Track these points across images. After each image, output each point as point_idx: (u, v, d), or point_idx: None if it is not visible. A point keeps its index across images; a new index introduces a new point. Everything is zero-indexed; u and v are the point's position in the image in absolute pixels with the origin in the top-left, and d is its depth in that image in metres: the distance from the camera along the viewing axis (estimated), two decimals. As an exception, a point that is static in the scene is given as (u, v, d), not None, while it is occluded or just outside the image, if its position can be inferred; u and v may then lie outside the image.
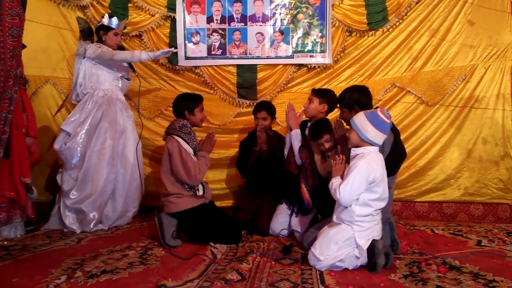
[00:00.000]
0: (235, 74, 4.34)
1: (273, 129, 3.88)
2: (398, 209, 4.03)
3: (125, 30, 4.24)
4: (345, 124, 2.98)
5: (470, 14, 4.01)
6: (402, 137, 3.06)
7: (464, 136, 3.99)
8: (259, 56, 4.31)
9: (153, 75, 4.39)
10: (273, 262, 2.58)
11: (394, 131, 2.80)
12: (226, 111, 4.37)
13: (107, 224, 3.54)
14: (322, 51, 4.24)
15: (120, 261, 2.57)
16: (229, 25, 4.31)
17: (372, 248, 2.35)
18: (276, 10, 4.28)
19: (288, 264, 2.57)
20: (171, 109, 4.16)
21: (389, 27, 4.16)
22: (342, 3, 4.22)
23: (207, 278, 2.28)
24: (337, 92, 3.49)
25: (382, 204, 2.48)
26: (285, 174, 3.35)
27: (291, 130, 3.32)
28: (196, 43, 4.34)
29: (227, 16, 4.30)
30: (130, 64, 3.79)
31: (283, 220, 3.32)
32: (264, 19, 4.29)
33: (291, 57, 4.28)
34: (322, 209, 2.99)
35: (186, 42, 4.33)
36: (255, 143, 3.66)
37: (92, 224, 3.43)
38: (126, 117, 3.73)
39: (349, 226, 2.42)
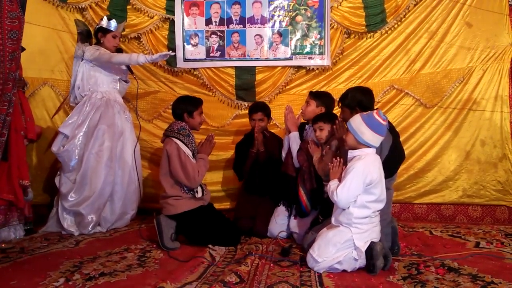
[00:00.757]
0: (234, 76, 4.34)
1: (270, 130, 3.88)
2: (397, 211, 4.03)
3: (124, 32, 4.24)
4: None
5: (468, 16, 4.02)
6: (401, 139, 3.06)
7: (462, 138, 4.00)
8: (257, 58, 4.31)
9: (152, 77, 4.39)
10: (271, 264, 2.58)
11: (393, 132, 2.81)
12: (224, 113, 4.37)
13: (105, 227, 3.54)
14: (321, 53, 4.25)
15: (119, 264, 2.57)
16: (228, 27, 4.31)
17: (370, 250, 2.35)
18: (274, 12, 4.28)
19: (287, 266, 2.56)
20: (169, 111, 4.19)
21: (387, 29, 4.17)
22: (340, 5, 4.22)
23: (206, 280, 2.27)
24: (335, 94, 3.51)
25: (380, 206, 2.48)
26: (283, 176, 3.35)
27: (289, 132, 3.32)
28: (194, 45, 4.34)
29: (225, 18, 4.31)
30: (128, 67, 3.79)
31: (281, 222, 3.31)
32: (263, 21, 4.29)
33: (290, 59, 4.29)
34: (324, 211, 2.98)
35: (185, 44, 4.33)
36: (251, 144, 3.65)
37: (90, 227, 3.43)
38: (124, 119, 3.73)
39: (347, 228, 2.42)
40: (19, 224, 3.34)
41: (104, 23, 3.73)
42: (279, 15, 4.28)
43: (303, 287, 2.19)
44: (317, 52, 4.25)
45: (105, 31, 3.73)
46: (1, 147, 2.82)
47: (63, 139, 3.59)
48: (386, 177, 2.60)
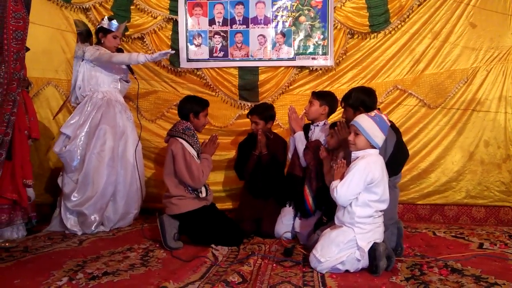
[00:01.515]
0: (237, 76, 4.35)
1: (273, 131, 3.87)
2: (400, 211, 4.01)
3: (127, 33, 4.26)
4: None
5: (472, 16, 4.01)
6: (404, 139, 3.06)
7: (466, 138, 3.99)
8: (261, 58, 4.31)
9: (155, 77, 4.40)
10: (274, 265, 2.57)
11: (396, 130, 2.81)
12: (227, 113, 4.37)
13: (108, 226, 3.54)
14: (324, 54, 4.24)
15: (122, 263, 2.57)
16: (231, 27, 4.32)
17: (373, 251, 2.35)
18: (278, 12, 4.28)
19: (290, 266, 2.56)
20: (172, 111, 4.21)
21: (391, 29, 4.16)
22: (344, 6, 4.22)
23: (208, 280, 2.27)
24: (339, 95, 3.50)
25: (383, 206, 2.48)
26: (289, 177, 3.35)
27: (294, 133, 3.32)
28: (198, 45, 4.34)
29: (229, 18, 4.31)
30: (128, 66, 3.79)
31: (287, 222, 3.30)
32: (266, 21, 4.29)
33: (293, 59, 4.29)
34: (328, 211, 2.98)
35: (188, 44, 4.34)
36: (253, 145, 3.63)
37: (93, 226, 3.44)
38: (125, 119, 3.73)
39: (350, 228, 2.42)
40: (22, 223, 3.35)
41: (105, 23, 3.73)
42: (282, 16, 4.29)
43: (306, 287, 2.18)
44: (320, 52, 4.25)
45: (106, 31, 3.72)
46: (5, 146, 2.83)
47: (65, 140, 3.59)
48: (391, 175, 2.61)
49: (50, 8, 4.25)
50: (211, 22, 4.33)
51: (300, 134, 3.29)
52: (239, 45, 4.32)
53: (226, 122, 4.35)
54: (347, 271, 2.40)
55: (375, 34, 4.20)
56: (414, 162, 4.03)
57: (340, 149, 2.97)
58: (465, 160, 3.98)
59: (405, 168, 3.37)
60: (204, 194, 3.12)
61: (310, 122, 3.42)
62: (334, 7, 4.21)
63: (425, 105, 4.09)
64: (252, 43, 4.30)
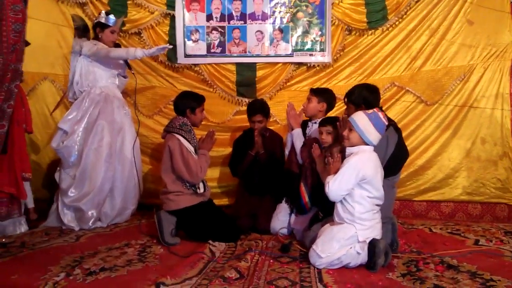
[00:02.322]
0: (235, 72, 4.34)
1: (269, 127, 3.85)
2: (397, 208, 4.03)
3: (125, 28, 4.24)
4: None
5: (470, 13, 4.01)
6: (401, 136, 3.07)
7: (463, 135, 4.00)
8: (258, 54, 4.31)
9: (152, 72, 4.39)
10: (271, 260, 2.58)
11: (397, 130, 2.81)
12: (225, 109, 4.37)
13: (105, 222, 3.54)
14: (322, 50, 4.24)
15: (119, 259, 2.57)
16: (229, 23, 4.30)
17: (373, 248, 2.36)
18: (275, 8, 4.27)
19: (287, 262, 2.57)
20: (170, 106, 4.19)
21: (388, 26, 4.16)
22: (341, 2, 4.21)
23: (206, 276, 2.28)
24: (336, 91, 3.51)
25: (379, 201, 2.50)
26: (286, 173, 3.35)
27: (292, 129, 3.32)
28: (195, 41, 4.33)
29: (226, 14, 4.30)
30: (126, 62, 3.77)
31: (283, 218, 3.30)
32: (264, 17, 4.28)
33: (291, 55, 4.28)
34: (324, 208, 2.98)
35: (186, 40, 4.32)
36: (249, 142, 3.61)
37: (90, 222, 3.43)
38: (123, 115, 3.72)
39: (351, 224, 2.44)
40: (21, 217, 3.34)
41: (102, 18, 3.70)
42: (280, 12, 4.28)
43: (303, 283, 2.19)
44: (318, 48, 4.25)
45: (103, 26, 3.70)
46: (1, 138, 2.82)
47: (62, 135, 3.58)
48: (390, 175, 2.62)
49: (46, 3, 4.20)
50: (209, 17, 4.32)
51: (298, 132, 3.29)
52: (236, 41, 4.31)
53: (224, 118, 4.35)
54: (344, 266, 2.41)
55: (373, 30, 4.20)
56: (411, 159, 4.01)
57: (336, 144, 2.96)
58: (462, 157, 3.99)
59: (402, 164, 3.38)
60: (202, 190, 3.12)
61: (308, 118, 3.42)
62: (332, 4, 4.20)
63: (422, 102, 4.10)
64: (250, 39, 4.30)
